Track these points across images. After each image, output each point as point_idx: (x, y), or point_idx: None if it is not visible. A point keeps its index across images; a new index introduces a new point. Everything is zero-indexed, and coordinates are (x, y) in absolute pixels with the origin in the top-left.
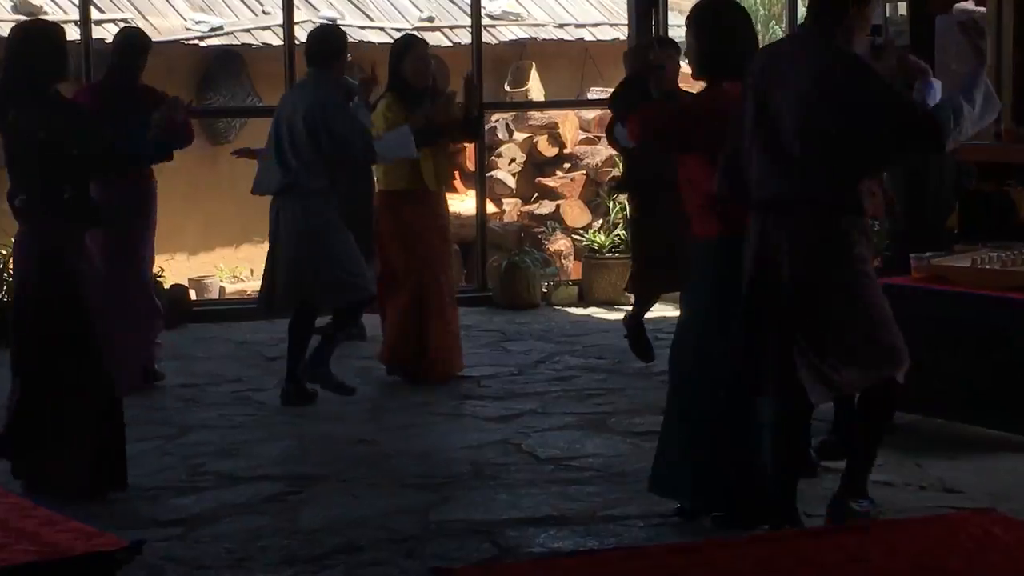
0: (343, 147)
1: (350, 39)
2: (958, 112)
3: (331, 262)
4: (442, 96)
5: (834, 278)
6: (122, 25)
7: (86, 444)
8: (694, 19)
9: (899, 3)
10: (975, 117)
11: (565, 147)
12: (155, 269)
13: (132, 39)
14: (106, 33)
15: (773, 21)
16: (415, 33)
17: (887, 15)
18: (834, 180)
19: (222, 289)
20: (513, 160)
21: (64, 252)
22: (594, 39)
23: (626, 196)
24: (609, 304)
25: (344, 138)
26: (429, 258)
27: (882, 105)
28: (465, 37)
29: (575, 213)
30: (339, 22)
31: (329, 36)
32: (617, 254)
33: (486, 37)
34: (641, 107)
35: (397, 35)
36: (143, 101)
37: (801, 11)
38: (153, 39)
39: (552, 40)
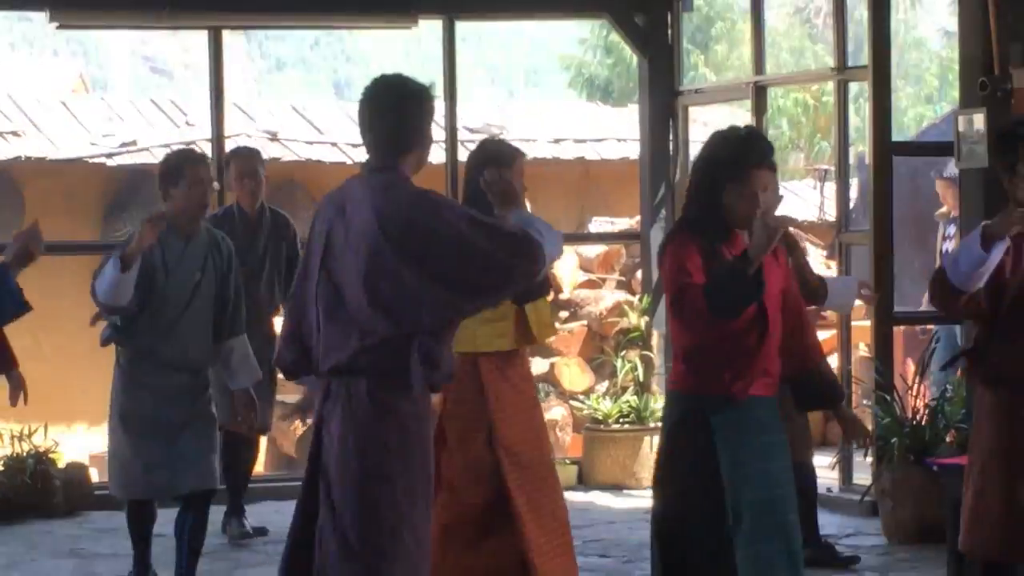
0: None
1: (295, 157)
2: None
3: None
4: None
5: None
6: (10, 138)
7: None
8: None
9: (975, 115)
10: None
11: (561, 291)
12: (48, 443)
13: None
14: None
15: (819, 135)
16: (512, 142)
17: (961, 129)
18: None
19: None
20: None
21: None
22: (597, 157)
23: None
24: (616, 488)
25: None
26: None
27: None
28: (438, 154)
29: (574, 374)
30: (280, 136)
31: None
32: (627, 425)
33: (463, 155)
34: None
35: (352, 151)
36: None
37: (854, 122)
38: (50, 156)
39: (545, 159)
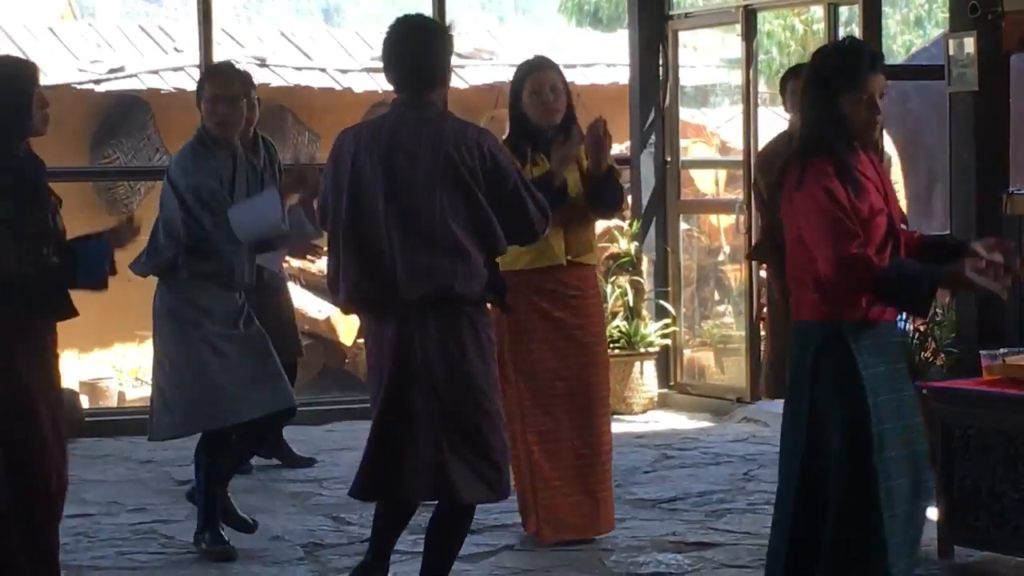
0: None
1: (284, 83)
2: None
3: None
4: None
5: None
6: None
7: None
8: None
9: (965, 38)
10: None
11: None
12: None
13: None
14: None
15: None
16: (543, 55)
17: (951, 52)
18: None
19: (121, 395)
20: None
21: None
22: (588, 82)
23: (763, 266)
24: None
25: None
26: (573, 357)
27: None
28: None
29: None
30: (270, 62)
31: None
32: (617, 351)
33: (453, 80)
34: None
35: (341, 77)
36: None
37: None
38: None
39: None
